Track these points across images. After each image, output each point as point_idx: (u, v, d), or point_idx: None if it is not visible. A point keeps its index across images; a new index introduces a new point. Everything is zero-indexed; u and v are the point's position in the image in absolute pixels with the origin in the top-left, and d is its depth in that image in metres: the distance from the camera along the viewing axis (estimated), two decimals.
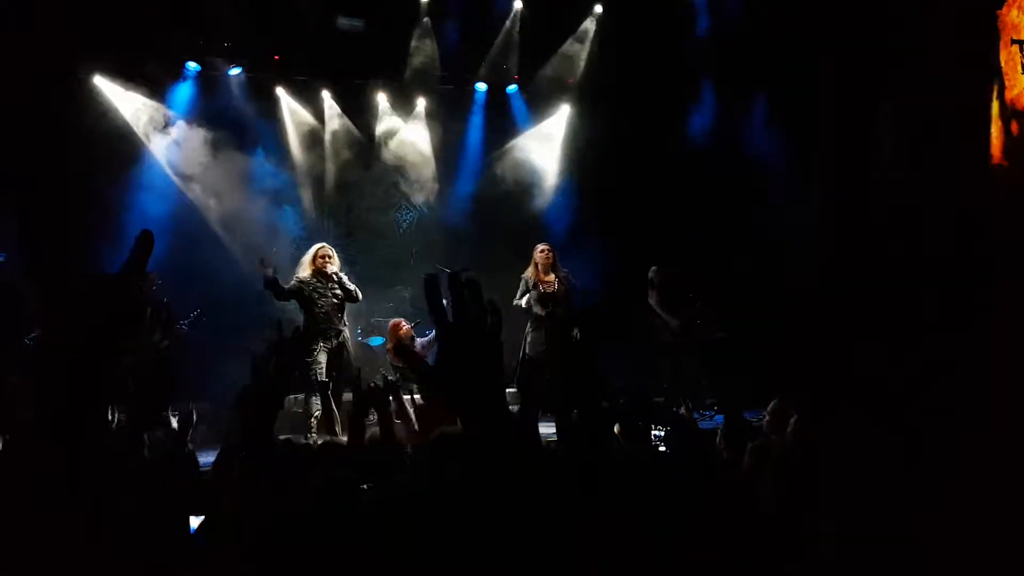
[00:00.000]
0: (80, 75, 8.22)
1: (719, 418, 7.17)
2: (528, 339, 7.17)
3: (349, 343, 6.92)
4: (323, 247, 6.88)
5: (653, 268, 7.43)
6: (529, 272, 7.25)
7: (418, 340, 7.43)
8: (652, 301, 7.36)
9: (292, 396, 7.33)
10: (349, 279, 6.81)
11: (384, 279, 9.86)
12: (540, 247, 7.30)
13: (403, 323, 7.35)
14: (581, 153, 9.85)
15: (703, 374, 7.10)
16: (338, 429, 6.40)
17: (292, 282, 6.67)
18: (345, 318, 6.88)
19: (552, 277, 7.16)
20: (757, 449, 3.01)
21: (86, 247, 7.80)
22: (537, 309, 7.12)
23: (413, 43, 9.09)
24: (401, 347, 6.75)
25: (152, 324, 6.33)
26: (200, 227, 8.58)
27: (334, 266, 6.75)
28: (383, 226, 10.03)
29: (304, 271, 6.73)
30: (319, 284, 6.65)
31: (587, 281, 7.67)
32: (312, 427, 6.57)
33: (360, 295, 6.86)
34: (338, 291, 6.69)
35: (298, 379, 6.95)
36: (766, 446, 2.99)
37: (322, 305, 6.62)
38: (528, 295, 7.13)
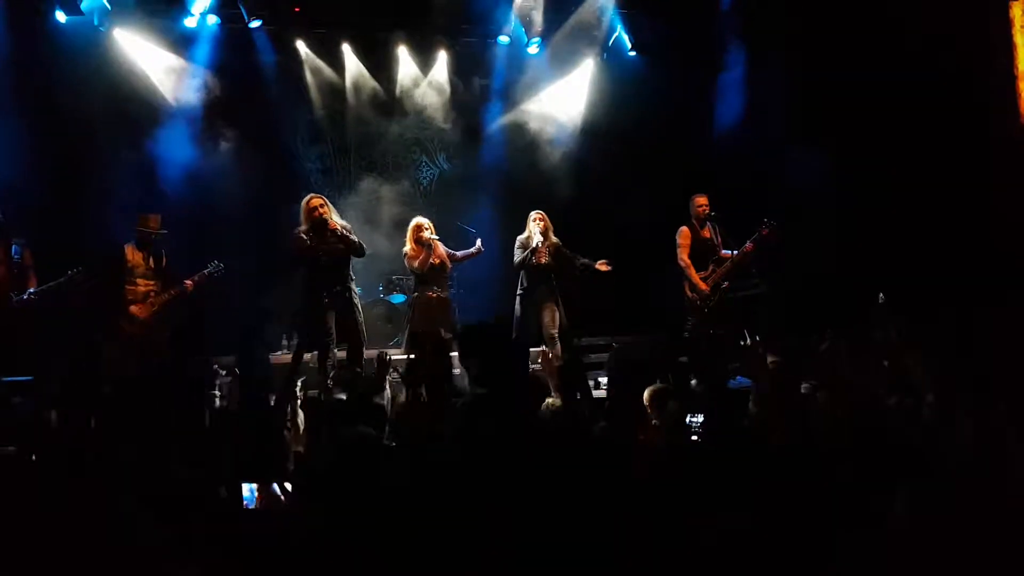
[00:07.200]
0: (101, 28, 8.13)
1: (741, 379, 7.05)
2: (517, 304, 7.19)
3: (357, 298, 6.56)
4: (313, 196, 6.40)
5: (681, 228, 7.28)
6: (524, 236, 7.13)
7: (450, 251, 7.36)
8: (682, 262, 7.17)
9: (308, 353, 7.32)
10: (351, 231, 6.42)
11: (405, 237, 9.79)
12: (535, 214, 7.12)
13: (424, 224, 7.06)
14: (604, 109, 9.68)
15: (737, 337, 6.95)
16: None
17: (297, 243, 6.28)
18: (351, 273, 6.56)
19: (544, 247, 6.99)
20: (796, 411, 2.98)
21: (104, 214, 7.71)
22: (523, 279, 7.11)
23: None
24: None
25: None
26: (220, 185, 8.49)
27: (333, 216, 6.33)
28: (404, 183, 9.96)
29: (303, 225, 6.32)
30: (320, 237, 6.23)
31: (607, 242, 7.59)
32: (330, 384, 6.22)
33: (365, 248, 6.50)
34: (340, 244, 6.29)
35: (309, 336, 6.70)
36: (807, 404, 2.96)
37: (324, 259, 6.25)
38: (522, 258, 7.05)
